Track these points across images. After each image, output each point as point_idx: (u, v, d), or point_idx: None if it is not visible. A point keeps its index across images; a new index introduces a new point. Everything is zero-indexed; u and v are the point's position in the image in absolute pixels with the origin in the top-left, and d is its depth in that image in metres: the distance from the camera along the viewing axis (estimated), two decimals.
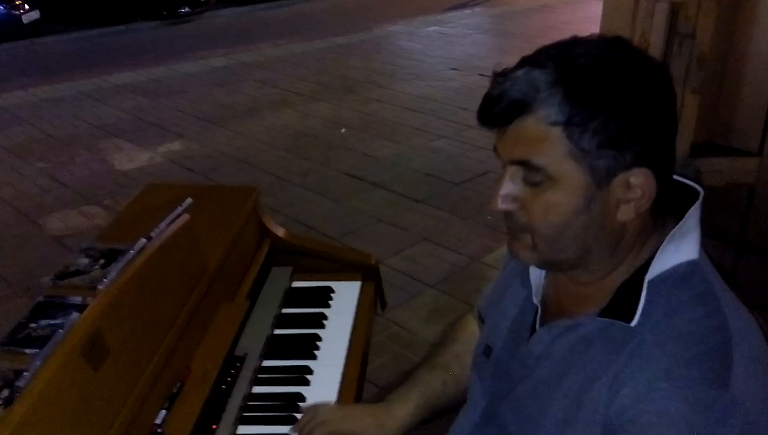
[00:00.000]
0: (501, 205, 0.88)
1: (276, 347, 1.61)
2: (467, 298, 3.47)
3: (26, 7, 10.60)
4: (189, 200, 1.50)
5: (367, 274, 1.93)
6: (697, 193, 0.91)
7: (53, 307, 1.24)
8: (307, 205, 4.67)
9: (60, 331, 1.09)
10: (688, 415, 0.77)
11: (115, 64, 8.82)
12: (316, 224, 4.35)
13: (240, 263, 1.73)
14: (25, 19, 10.55)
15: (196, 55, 9.16)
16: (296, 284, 1.87)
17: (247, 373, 1.46)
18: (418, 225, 4.30)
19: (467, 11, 11.51)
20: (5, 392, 1.06)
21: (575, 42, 0.85)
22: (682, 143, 2.23)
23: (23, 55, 9.92)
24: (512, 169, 0.86)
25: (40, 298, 1.27)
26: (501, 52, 8.53)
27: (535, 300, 1.02)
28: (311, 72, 8.18)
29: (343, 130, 6.11)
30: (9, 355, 1.16)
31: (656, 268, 0.87)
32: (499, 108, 0.84)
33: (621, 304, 0.87)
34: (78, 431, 1.04)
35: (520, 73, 0.83)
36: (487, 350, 1.11)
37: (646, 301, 0.85)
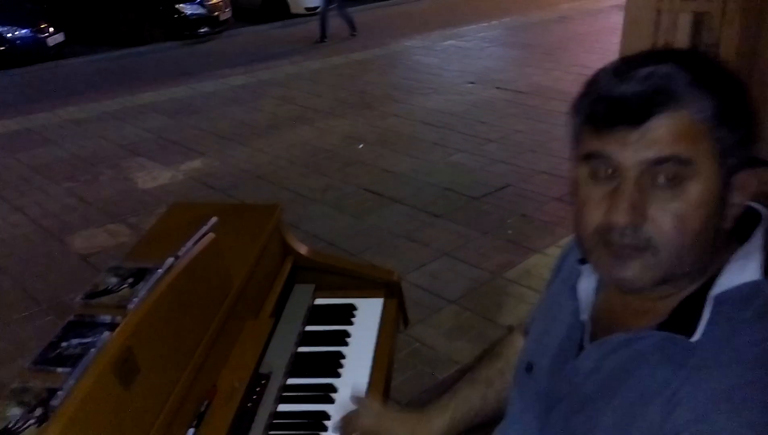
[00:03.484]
0: (628, 218, 0.79)
1: (300, 365, 1.62)
2: (489, 314, 3.46)
3: (51, 30, 10.77)
4: (214, 219, 1.52)
5: (390, 290, 1.93)
6: (758, 216, 0.89)
7: (84, 326, 1.26)
8: (326, 221, 4.69)
9: (92, 350, 1.11)
10: None
11: (138, 85, 8.94)
12: (335, 240, 4.36)
13: (264, 281, 1.74)
14: (50, 42, 10.71)
15: (216, 74, 9.27)
16: (319, 301, 1.88)
17: (272, 391, 1.47)
18: (438, 240, 4.29)
19: (484, 24, 11.54)
20: (38, 411, 1.08)
21: (670, 48, 0.85)
22: None
23: (49, 77, 10.06)
24: (637, 174, 0.79)
25: (71, 318, 1.29)
26: (519, 64, 8.53)
27: (584, 316, 0.99)
28: (329, 88, 8.24)
29: (360, 146, 6.14)
30: (41, 374, 1.18)
31: (721, 286, 0.83)
32: (640, 102, 0.77)
33: (682, 319, 0.84)
34: None
35: (648, 70, 0.78)
36: (529, 367, 1.08)
37: (709, 319, 0.82)
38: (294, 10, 13.30)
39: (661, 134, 0.77)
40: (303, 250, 1.94)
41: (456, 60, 9.26)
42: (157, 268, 1.31)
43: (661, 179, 0.78)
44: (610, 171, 0.81)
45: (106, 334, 1.16)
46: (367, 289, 1.93)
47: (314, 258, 1.95)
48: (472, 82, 7.92)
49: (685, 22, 2.12)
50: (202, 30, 11.76)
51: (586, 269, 1.00)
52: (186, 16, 11.69)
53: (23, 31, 10.50)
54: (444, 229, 4.45)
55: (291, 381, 1.57)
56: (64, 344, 1.22)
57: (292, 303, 1.84)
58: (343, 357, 1.66)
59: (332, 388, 1.54)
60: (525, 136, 5.99)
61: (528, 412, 1.07)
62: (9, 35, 10.39)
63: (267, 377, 1.51)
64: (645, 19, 2.15)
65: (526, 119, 6.37)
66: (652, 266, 0.81)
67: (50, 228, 4.91)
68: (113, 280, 1.38)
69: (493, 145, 5.91)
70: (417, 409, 1.34)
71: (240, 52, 10.76)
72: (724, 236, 0.85)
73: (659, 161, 0.78)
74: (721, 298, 0.83)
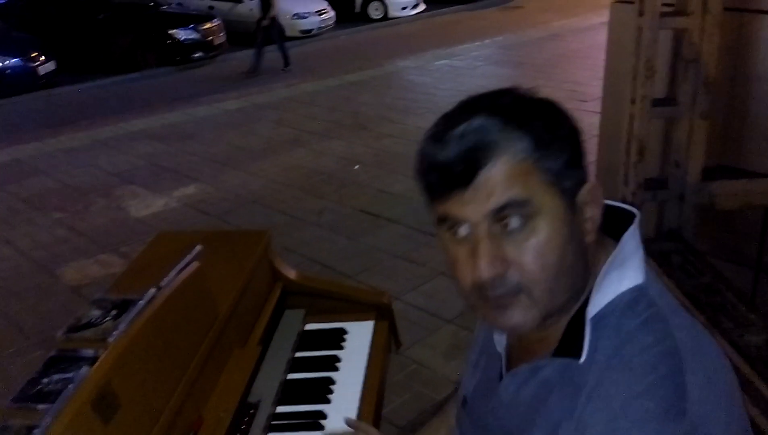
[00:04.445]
0: (491, 270, 0.81)
1: (289, 392, 1.60)
2: None
3: (42, 58, 10.66)
4: (198, 247, 1.51)
5: (381, 312, 1.92)
6: (632, 216, 0.90)
7: (65, 360, 1.24)
8: (322, 243, 4.68)
9: (70, 385, 1.09)
10: None
11: (130, 112, 8.88)
12: (332, 263, 4.35)
13: (252, 308, 1.73)
14: (41, 70, 10.60)
15: (210, 99, 9.23)
16: (309, 327, 1.87)
17: (260, 421, 1.46)
18: (434, 259, 4.28)
19: (477, 43, 11.62)
20: None
21: (480, 96, 0.87)
22: (694, 167, 2.22)
23: (39, 106, 9.96)
24: (486, 227, 0.81)
25: (53, 353, 1.27)
26: (512, 82, 8.31)
27: (498, 348, 1.00)
28: (323, 110, 8.26)
29: (356, 167, 6.15)
30: (21, 411, 1.16)
31: (600, 300, 0.85)
32: (462, 164, 0.80)
33: (570, 342, 0.86)
34: None
35: (460, 129, 0.81)
36: (464, 401, 1.08)
37: (595, 336, 0.83)
38: (289, 33, 13.37)
39: (491, 185, 0.80)
40: (292, 274, 1.93)
41: (450, 79, 9.31)
42: (139, 300, 1.29)
43: (510, 224, 0.81)
44: (464, 230, 0.83)
45: (86, 369, 1.14)
46: (358, 312, 1.91)
47: (303, 282, 1.94)
48: None
49: (665, 38, 2.14)
50: (196, 55, 11.75)
51: None
52: (180, 42, 11.70)
53: (13, 60, 10.38)
54: (440, 248, 4.43)
55: (280, 409, 1.55)
56: (45, 380, 1.20)
57: (282, 329, 1.83)
58: (333, 383, 1.64)
59: (322, 415, 1.52)
60: None
61: None
62: None
63: (255, 406, 1.50)
64: (627, 37, 2.17)
65: None
66: (529, 307, 0.83)
67: (40, 260, 4.84)
68: (96, 312, 1.36)
69: None
70: (410, 432, 1.33)
71: (234, 76, 10.77)
72: (594, 245, 0.88)
73: (499, 210, 0.80)
74: (604, 313, 0.85)
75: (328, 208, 5.29)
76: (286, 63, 10.86)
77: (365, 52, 11.86)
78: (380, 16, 15.09)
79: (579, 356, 0.83)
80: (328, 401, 1.57)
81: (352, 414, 1.53)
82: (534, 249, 0.81)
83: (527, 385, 0.90)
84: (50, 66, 10.83)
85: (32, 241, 5.18)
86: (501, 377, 0.97)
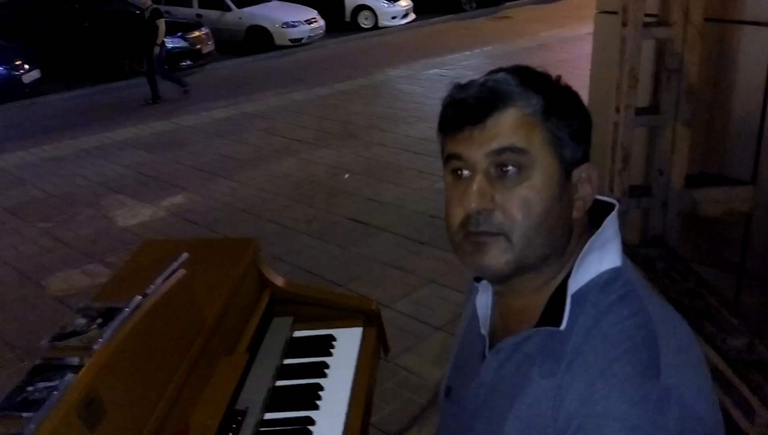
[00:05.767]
0: (480, 202, 0.88)
1: (277, 399, 1.60)
2: None
3: (26, 67, 10.49)
4: (185, 255, 1.51)
5: (369, 319, 1.92)
6: (612, 207, 0.96)
7: (50, 369, 1.24)
8: (312, 252, 4.68)
9: (55, 393, 1.09)
10: (628, 410, 0.79)
11: (117, 120, 8.83)
12: (321, 271, 4.35)
13: (239, 316, 1.72)
14: (26, 79, 10.44)
15: (198, 108, 9.21)
16: (297, 334, 1.86)
17: (248, 428, 1.45)
18: (424, 267, 4.30)
19: (466, 53, 11.68)
20: None
21: (508, 66, 0.96)
22: (677, 175, 2.24)
23: (24, 115, 9.83)
24: (485, 167, 0.89)
25: (38, 361, 1.27)
26: None
27: (483, 331, 1.03)
28: (313, 119, 8.27)
29: (346, 176, 6.16)
30: (5, 420, 1.15)
31: (580, 278, 0.91)
32: (477, 102, 0.89)
33: (552, 313, 0.91)
34: None
35: (483, 79, 0.92)
36: (447, 391, 1.10)
37: (576, 311, 0.89)
38: (278, 41, 13.41)
39: (498, 129, 0.88)
40: (280, 282, 1.92)
41: (439, 88, 9.19)
42: (125, 307, 1.29)
43: (506, 169, 0.88)
44: (466, 171, 0.91)
45: (70, 376, 1.14)
46: (346, 319, 1.91)
47: (292, 290, 1.93)
48: None
49: (648, 48, 2.17)
50: (184, 63, 11.66)
51: (482, 285, 1.06)
52: (167, 50, 11.64)
53: None
54: (430, 256, 4.46)
55: (268, 416, 1.55)
56: (29, 388, 1.19)
57: (270, 337, 1.82)
58: (322, 389, 1.64)
59: (310, 421, 1.52)
60: None
61: None
62: None
63: (243, 413, 1.49)
64: (611, 47, 2.20)
65: None
66: (505, 250, 0.89)
67: (25, 271, 4.79)
68: (81, 320, 1.36)
69: None
70: None
71: (223, 85, 10.74)
72: (581, 226, 0.95)
73: (499, 151, 0.88)
74: (583, 290, 0.91)
75: (318, 216, 5.30)
76: (156, 98, 9.77)
77: (355, 61, 11.89)
78: (370, 26, 15.15)
79: (559, 325, 0.88)
80: (316, 407, 1.57)
81: (341, 420, 1.53)
82: (521, 196, 0.88)
83: (509, 362, 0.94)
84: (35, 74, 10.65)
85: (17, 251, 5.13)
86: (483, 359, 1.00)
